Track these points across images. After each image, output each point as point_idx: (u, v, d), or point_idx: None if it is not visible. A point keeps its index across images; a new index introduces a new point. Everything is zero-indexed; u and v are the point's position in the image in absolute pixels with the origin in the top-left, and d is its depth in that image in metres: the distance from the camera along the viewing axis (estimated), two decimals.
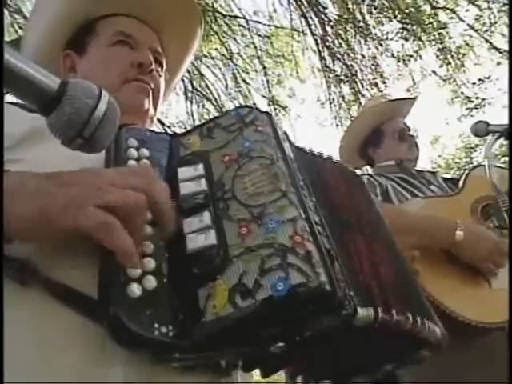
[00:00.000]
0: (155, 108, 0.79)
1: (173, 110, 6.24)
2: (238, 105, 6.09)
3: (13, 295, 0.46)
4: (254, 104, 6.05)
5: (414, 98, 1.77)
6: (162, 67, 0.83)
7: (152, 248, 0.46)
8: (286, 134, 0.62)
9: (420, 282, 1.11)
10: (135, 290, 0.42)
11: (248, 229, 0.45)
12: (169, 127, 5.85)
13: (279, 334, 0.43)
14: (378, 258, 0.57)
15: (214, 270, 0.44)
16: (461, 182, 1.41)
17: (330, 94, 5.90)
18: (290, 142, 0.61)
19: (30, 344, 0.45)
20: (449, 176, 1.68)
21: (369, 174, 1.55)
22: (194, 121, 5.87)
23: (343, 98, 5.85)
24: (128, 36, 0.77)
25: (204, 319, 0.42)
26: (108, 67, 0.75)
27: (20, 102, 0.66)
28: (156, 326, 0.42)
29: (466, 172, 1.44)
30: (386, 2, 5.14)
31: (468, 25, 4.88)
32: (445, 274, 1.19)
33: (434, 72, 5.50)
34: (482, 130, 1.15)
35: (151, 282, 0.44)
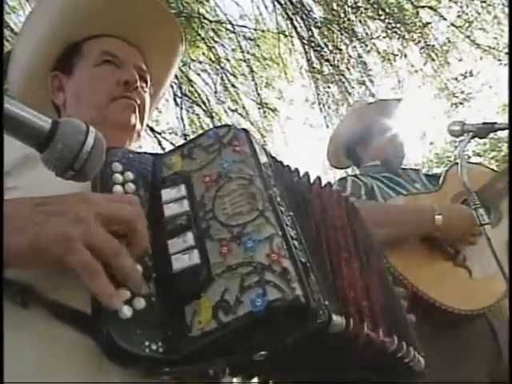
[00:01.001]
0: (142, 123, 0.83)
1: (163, 117, 6.25)
2: (227, 108, 6.16)
3: (13, 317, 0.49)
4: (244, 108, 6.09)
5: (399, 100, 1.81)
6: (146, 83, 0.86)
7: (140, 270, 0.49)
8: (264, 148, 0.65)
9: (403, 272, 1.17)
10: (126, 311, 0.45)
11: (228, 248, 0.48)
12: (160, 134, 5.87)
13: (261, 344, 0.46)
14: (367, 278, 0.62)
15: (199, 288, 0.47)
16: (440, 180, 1.47)
17: (318, 95, 5.95)
18: (268, 155, 0.64)
19: (30, 363, 0.48)
20: (434, 172, 1.73)
21: (354, 175, 1.59)
22: (184, 126, 5.89)
23: (333, 97, 5.90)
24: (113, 56, 0.81)
25: (191, 334, 0.46)
26: (95, 86, 0.78)
27: None
28: (147, 343, 0.45)
29: (445, 170, 1.50)
30: (367, 2, 5.20)
31: (450, 23, 4.95)
32: (426, 265, 1.25)
33: (420, 69, 5.57)
34: (457, 129, 1.19)
35: (141, 302, 0.47)
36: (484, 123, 1.17)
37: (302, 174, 0.72)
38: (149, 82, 0.87)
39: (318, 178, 0.74)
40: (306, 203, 0.65)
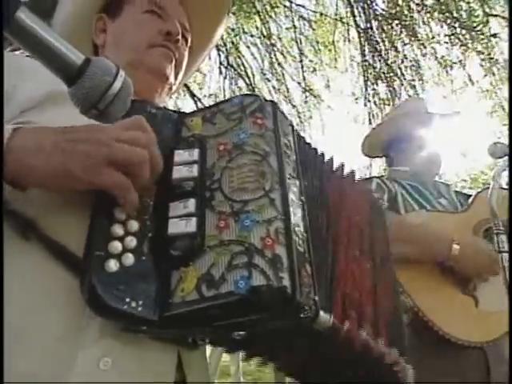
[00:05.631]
0: (176, 78, 0.83)
1: (206, 82, 6.22)
2: (270, 87, 6.08)
3: (13, 247, 0.51)
4: (287, 89, 5.99)
5: (457, 113, 1.71)
6: (186, 43, 0.86)
7: (136, 227, 0.49)
8: (291, 125, 0.61)
9: (408, 291, 1.16)
10: (112, 265, 0.45)
11: (226, 222, 0.47)
12: (199, 100, 5.87)
13: (240, 324, 0.45)
14: (383, 288, 0.61)
15: (189, 256, 0.47)
16: (469, 201, 1.40)
17: (366, 90, 5.77)
18: (293, 133, 0.61)
19: (20, 293, 0.49)
20: (464, 191, 1.66)
21: (380, 178, 1.54)
22: (224, 96, 5.86)
23: (379, 95, 5.71)
24: (160, 7, 0.82)
25: (171, 300, 0.45)
26: (137, 31, 0.79)
27: None
28: (127, 300, 0.45)
29: (476, 192, 1.42)
30: (436, 2, 4.92)
31: None
32: (434, 287, 1.22)
33: (477, 82, 5.29)
34: (499, 151, 1.12)
35: (129, 259, 0.47)
36: None
37: (327, 159, 0.69)
38: (189, 43, 0.87)
39: (342, 164, 0.71)
40: (324, 190, 0.63)
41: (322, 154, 0.68)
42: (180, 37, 0.80)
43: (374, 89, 5.59)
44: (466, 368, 1.20)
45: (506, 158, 1.11)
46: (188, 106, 5.76)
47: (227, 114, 0.57)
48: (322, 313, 0.47)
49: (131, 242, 0.48)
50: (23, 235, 0.51)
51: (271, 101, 0.59)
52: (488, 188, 1.34)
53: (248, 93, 0.65)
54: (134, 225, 0.49)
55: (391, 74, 5.53)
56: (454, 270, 1.23)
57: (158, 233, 0.50)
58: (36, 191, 0.51)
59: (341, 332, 0.50)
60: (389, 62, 5.50)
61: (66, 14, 0.87)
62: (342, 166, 0.71)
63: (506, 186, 1.25)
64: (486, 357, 1.22)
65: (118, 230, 0.48)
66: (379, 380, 0.62)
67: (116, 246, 0.47)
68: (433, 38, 5.13)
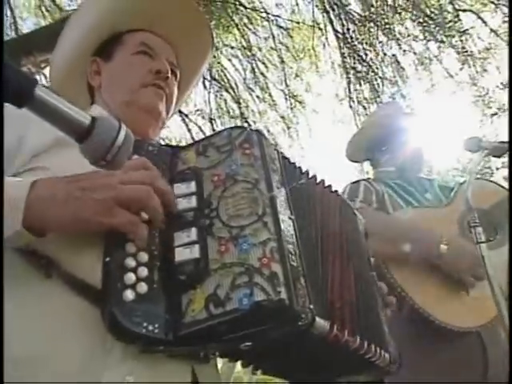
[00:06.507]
0: (167, 112, 0.89)
1: (191, 98, 6.30)
2: (255, 96, 6.18)
3: (37, 285, 0.57)
4: (271, 97, 6.09)
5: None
6: (176, 78, 0.93)
7: (146, 258, 0.55)
8: (277, 150, 0.67)
9: (403, 287, 1.22)
10: (129, 295, 0.51)
11: (226, 247, 0.53)
12: (187, 116, 5.95)
13: (246, 336, 0.51)
14: (346, 281, 0.66)
15: (196, 279, 0.53)
16: (451, 195, 1.47)
17: (350, 92, 5.88)
18: (279, 158, 0.67)
19: (46, 326, 0.55)
20: (448, 184, 1.73)
21: (367, 180, 1.61)
22: (211, 110, 5.95)
23: (362, 94, 5.83)
24: (150, 47, 0.88)
25: (184, 320, 0.51)
26: (129, 72, 0.85)
27: None
28: (145, 324, 0.50)
29: (458, 184, 1.50)
30: (408, 2, 5.07)
31: (491, 29, 4.78)
32: (426, 280, 1.28)
33: (456, 74, 5.43)
34: (473, 145, 1.18)
35: (143, 287, 0.53)
36: (501, 142, 1.16)
37: (311, 175, 0.75)
38: (178, 78, 0.94)
39: (322, 180, 0.78)
40: (310, 206, 0.69)
41: (300, 168, 0.74)
42: (169, 74, 0.87)
43: (356, 89, 5.71)
44: (463, 352, 1.26)
45: (480, 152, 1.17)
46: (175, 122, 5.84)
47: (218, 147, 0.63)
48: (317, 319, 0.53)
49: (143, 271, 0.54)
50: (45, 273, 0.57)
51: (256, 130, 0.65)
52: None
53: (236, 125, 0.70)
54: (144, 256, 0.55)
55: (372, 74, 5.66)
56: (442, 269, 1.28)
57: (165, 261, 0.56)
58: (53, 233, 0.57)
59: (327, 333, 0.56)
60: (369, 62, 5.63)
61: (62, 56, 0.94)
62: (322, 180, 0.78)
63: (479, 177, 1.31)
64: (482, 339, 1.29)
65: (131, 262, 0.54)
66: (354, 367, 0.68)
67: (130, 276, 0.52)
68: (408, 36, 5.27)
